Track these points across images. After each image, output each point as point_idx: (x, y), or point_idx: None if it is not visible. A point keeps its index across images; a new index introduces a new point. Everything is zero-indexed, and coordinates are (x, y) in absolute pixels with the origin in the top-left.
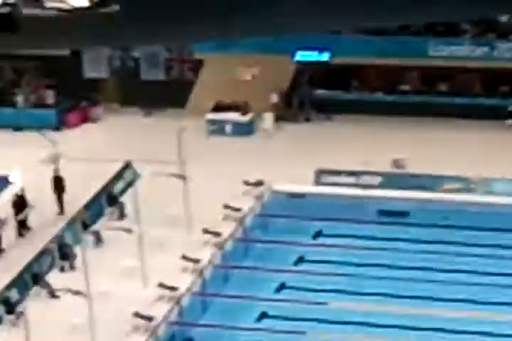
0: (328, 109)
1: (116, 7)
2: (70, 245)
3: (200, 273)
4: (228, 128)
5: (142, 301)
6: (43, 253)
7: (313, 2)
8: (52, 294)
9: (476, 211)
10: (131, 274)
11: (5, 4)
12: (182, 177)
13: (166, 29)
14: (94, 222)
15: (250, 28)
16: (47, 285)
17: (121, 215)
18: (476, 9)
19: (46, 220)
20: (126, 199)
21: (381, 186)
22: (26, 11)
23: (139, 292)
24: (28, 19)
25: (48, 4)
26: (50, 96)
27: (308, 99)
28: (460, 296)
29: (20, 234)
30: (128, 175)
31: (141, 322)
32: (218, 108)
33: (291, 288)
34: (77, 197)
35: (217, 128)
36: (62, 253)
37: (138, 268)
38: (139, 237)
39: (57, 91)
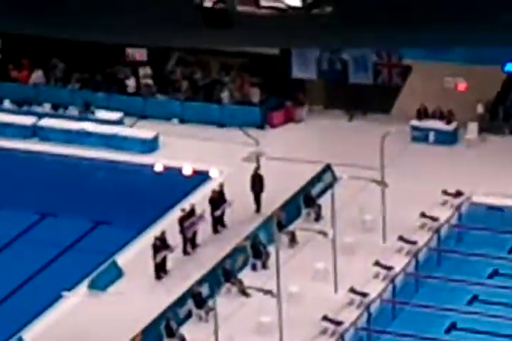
0: None
1: (328, 9)
2: (264, 244)
3: (392, 280)
4: (432, 135)
5: (332, 305)
6: (236, 250)
7: None
8: (243, 292)
9: None
10: (323, 277)
11: (220, 1)
12: (382, 183)
13: (376, 32)
14: (290, 222)
15: (464, 37)
16: (238, 283)
17: (318, 217)
18: None
19: (242, 218)
20: (323, 201)
21: None
22: (240, 8)
23: (329, 295)
24: (242, 16)
25: (264, 3)
26: (255, 94)
27: None
28: None
29: (216, 231)
30: (327, 178)
31: (329, 326)
32: (422, 115)
33: (483, 301)
34: (275, 196)
35: (421, 135)
36: (256, 251)
37: (330, 271)
38: (333, 240)
39: (262, 89)
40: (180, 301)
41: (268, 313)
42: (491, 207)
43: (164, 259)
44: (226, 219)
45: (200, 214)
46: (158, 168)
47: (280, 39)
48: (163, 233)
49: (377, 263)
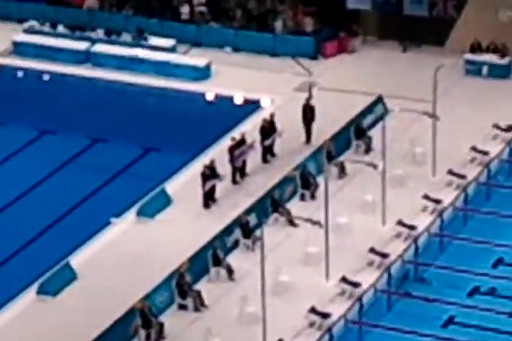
0: None
1: None
2: (313, 174)
3: (440, 214)
4: (485, 69)
5: (379, 237)
6: (285, 180)
7: None
8: (291, 222)
9: None
10: (371, 209)
11: None
12: (434, 116)
13: None
14: (339, 153)
15: None
16: (286, 213)
17: (368, 149)
18: None
19: (292, 148)
20: (374, 133)
21: None
22: None
23: (376, 228)
24: None
25: None
26: (309, 24)
27: None
28: None
29: (265, 160)
30: (378, 110)
31: (376, 257)
32: (476, 48)
33: None
34: (326, 127)
35: (474, 69)
36: (305, 182)
37: (378, 203)
38: (383, 173)
39: (316, 19)
40: (228, 230)
41: (315, 244)
42: None
43: (213, 188)
44: (276, 148)
45: (251, 143)
46: (210, 96)
47: None
48: (212, 161)
49: (426, 197)
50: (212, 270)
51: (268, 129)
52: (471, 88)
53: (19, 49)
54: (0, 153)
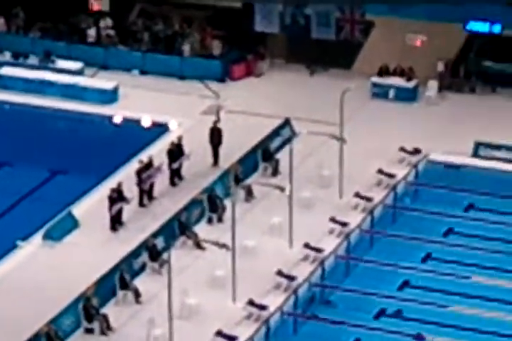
0: (494, 81)
1: None
2: (220, 197)
3: (347, 236)
4: (392, 92)
5: (286, 260)
6: (192, 203)
7: None
8: (198, 245)
9: None
10: (278, 232)
11: None
12: (340, 138)
13: None
14: (246, 176)
15: None
16: (194, 236)
17: (275, 172)
18: None
19: (200, 171)
20: (281, 156)
21: None
22: None
23: (283, 250)
24: None
25: None
26: (216, 47)
27: (474, 69)
28: None
29: (173, 183)
30: (285, 133)
31: (283, 280)
32: (383, 72)
33: (437, 259)
34: (233, 150)
35: (381, 92)
36: (212, 205)
37: (285, 226)
38: (290, 196)
39: (224, 42)
40: (135, 253)
41: (222, 267)
42: (448, 165)
43: (120, 211)
44: (183, 171)
45: (158, 166)
46: (117, 119)
47: None
48: (119, 184)
49: (332, 219)
50: (120, 293)
51: (176, 152)
52: (377, 111)
53: None
54: None
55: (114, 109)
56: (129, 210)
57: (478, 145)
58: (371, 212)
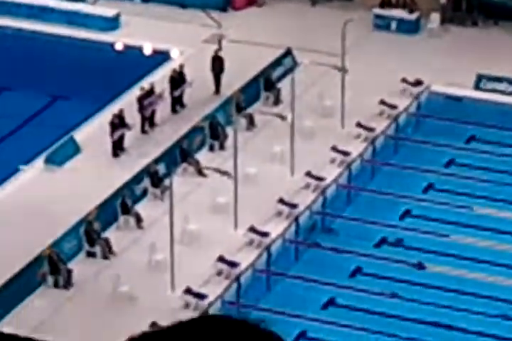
0: (496, 15)
1: None
2: (222, 125)
3: (348, 165)
4: (394, 24)
5: (288, 188)
6: (194, 130)
7: None
8: (200, 172)
9: None
10: (280, 160)
11: None
12: (342, 69)
13: None
14: (248, 105)
15: None
16: (195, 163)
17: (277, 101)
18: None
19: (201, 99)
20: (283, 86)
21: None
22: None
23: (285, 179)
24: None
25: None
26: None
27: (477, 2)
28: None
29: (174, 110)
30: (287, 62)
31: (284, 208)
32: (385, 3)
33: (439, 190)
34: (235, 79)
35: (383, 24)
36: (214, 132)
37: (287, 154)
38: (292, 124)
39: None
40: (137, 179)
41: (224, 194)
42: (450, 97)
43: (122, 137)
44: (185, 99)
45: (160, 93)
46: (119, 46)
47: None
48: (121, 111)
49: (334, 148)
50: (121, 218)
51: (177, 80)
52: (379, 42)
53: None
54: None
55: (115, 36)
56: (130, 137)
57: (480, 77)
58: (373, 142)
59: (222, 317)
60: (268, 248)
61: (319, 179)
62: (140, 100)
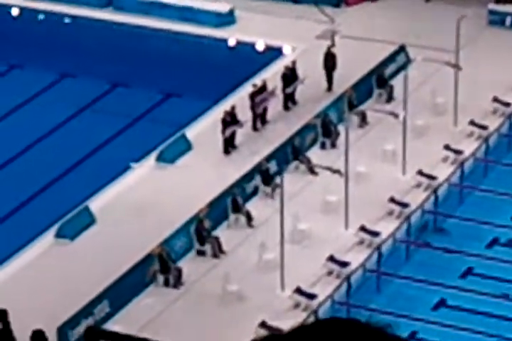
0: None
1: None
2: (334, 123)
3: (461, 164)
4: (509, 20)
5: (399, 187)
6: (305, 128)
7: None
8: (311, 170)
9: None
10: (391, 159)
11: None
12: (456, 66)
13: None
14: (361, 102)
15: None
16: (307, 161)
17: (390, 98)
18: None
19: (313, 96)
20: (395, 83)
21: None
22: None
23: (396, 177)
24: None
25: None
26: None
27: None
28: None
29: (286, 107)
30: (400, 59)
31: (396, 207)
32: None
33: None
34: (347, 75)
35: (498, 19)
36: (325, 130)
37: (398, 153)
38: (404, 122)
39: None
40: (248, 177)
41: (335, 192)
42: None
43: (233, 134)
44: (297, 96)
45: (272, 90)
46: (232, 42)
47: None
48: (233, 108)
49: (446, 147)
50: (232, 216)
51: (290, 76)
52: (494, 39)
53: None
54: (20, 96)
55: (228, 32)
56: (242, 134)
57: None
58: (486, 140)
59: (346, 321)
60: (379, 248)
61: (431, 178)
62: (252, 97)
